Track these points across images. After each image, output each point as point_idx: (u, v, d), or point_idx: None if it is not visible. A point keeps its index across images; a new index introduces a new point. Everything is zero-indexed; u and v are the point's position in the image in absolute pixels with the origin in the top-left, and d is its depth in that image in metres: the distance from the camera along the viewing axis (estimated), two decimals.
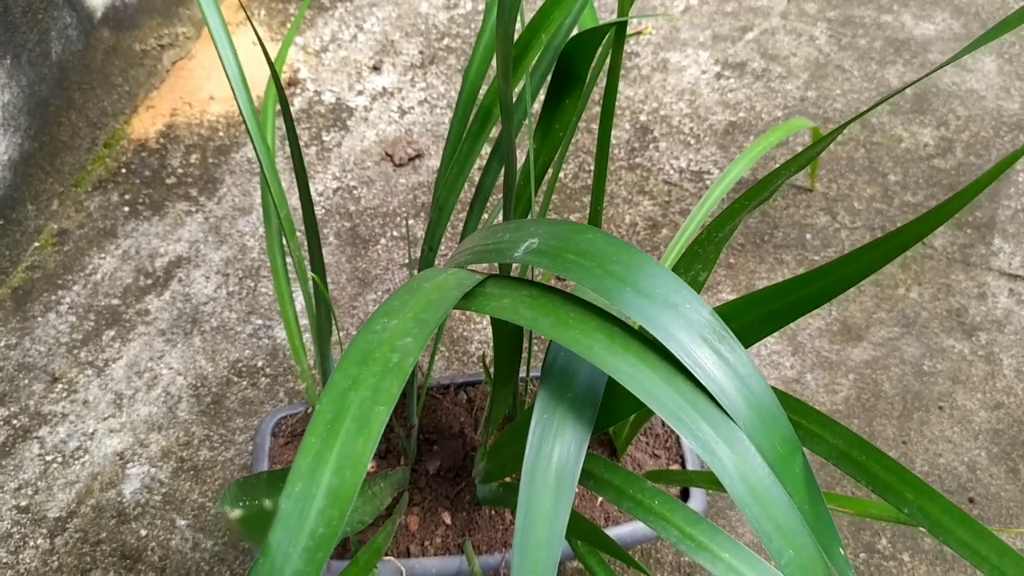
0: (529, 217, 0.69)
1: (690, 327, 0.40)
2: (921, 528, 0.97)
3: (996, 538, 0.36)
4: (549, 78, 0.64)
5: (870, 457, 0.40)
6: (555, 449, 0.43)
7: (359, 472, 0.33)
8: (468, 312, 1.17)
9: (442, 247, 1.22)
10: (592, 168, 1.34)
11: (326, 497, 0.33)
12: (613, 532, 0.81)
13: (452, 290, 0.43)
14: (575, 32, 0.61)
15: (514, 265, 0.69)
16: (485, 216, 1.09)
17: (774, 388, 0.42)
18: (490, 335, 1.14)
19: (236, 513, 0.21)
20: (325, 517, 0.32)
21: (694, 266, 0.63)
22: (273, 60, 0.54)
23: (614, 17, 1.64)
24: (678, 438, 0.89)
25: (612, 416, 0.48)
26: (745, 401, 0.40)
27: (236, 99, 0.62)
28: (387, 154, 1.35)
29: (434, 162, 1.34)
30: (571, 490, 0.43)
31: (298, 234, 1.20)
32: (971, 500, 1.00)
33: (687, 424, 0.39)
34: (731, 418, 0.40)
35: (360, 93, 1.44)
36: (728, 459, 0.39)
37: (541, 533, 0.42)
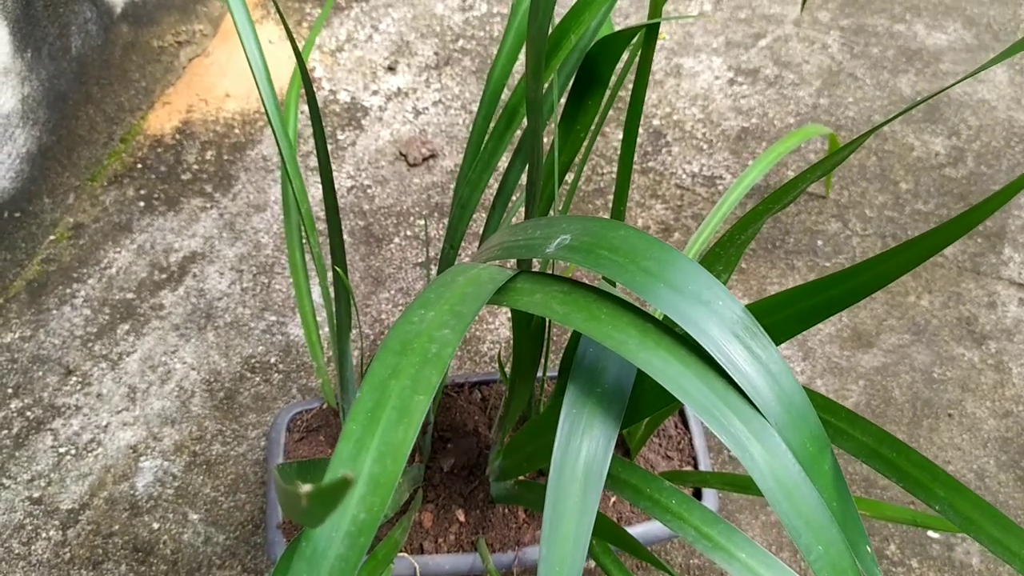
0: (551, 215, 0.69)
1: (722, 323, 0.41)
2: (929, 534, 0.98)
3: None
4: (572, 80, 0.64)
5: (900, 454, 0.41)
6: (584, 444, 0.44)
7: (400, 460, 0.34)
8: (480, 311, 1.17)
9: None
10: (605, 171, 1.35)
11: (367, 483, 0.33)
12: None
13: (486, 284, 0.43)
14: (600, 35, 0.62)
15: (535, 261, 0.69)
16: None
17: (804, 387, 0.42)
18: (503, 335, 1.14)
19: (307, 487, 0.22)
20: (367, 503, 0.33)
21: (715, 267, 0.63)
22: (299, 56, 0.55)
23: (628, 23, 1.65)
24: (691, 439, 0.89)
25: (639, 412, 0.49)
26: (776, 398, 0.40)
27: (260, 93, 0.63)
28: (401, 154, 1.35)
29: (448, 163, 1.34)
30: (599, 484, 0.43)
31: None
32: None
33: (719, 420, 0.39)
34: (762, 415, 0.40)
35: (375, 93, 1.45)
36: (760, 456, 0.39)
37: (569, 526, 0.42)
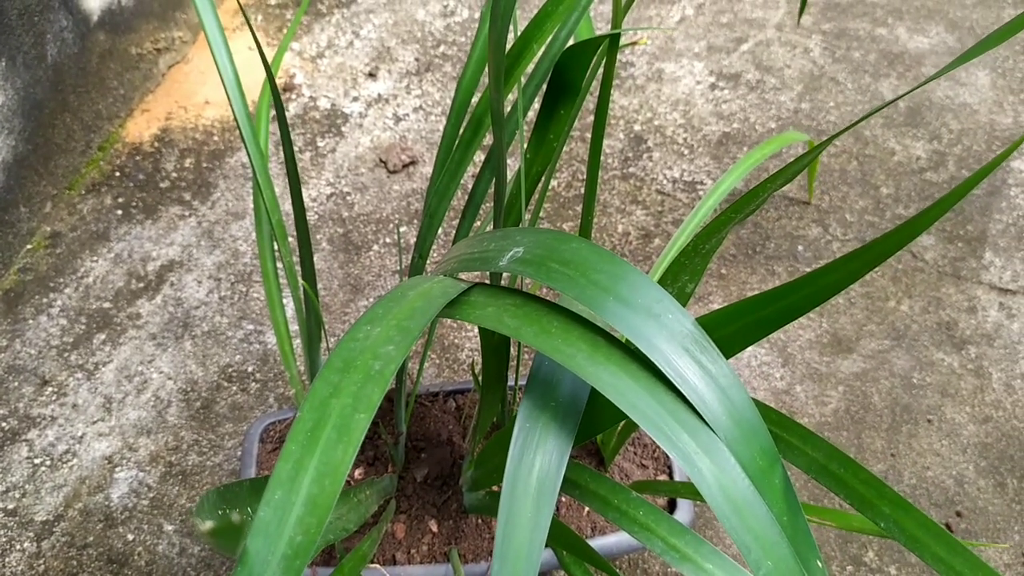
0: (520, 226, 0.69)
1: (672, 337, 0.40)
2: None
3: (970, 553, 0.36)
4: (544, 87, 0.64)
5: (848, 471, 0.40)
6: (537, 458, 0.43)
7: (339, 480, 0.33)
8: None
9: (433, 254, 1.22)
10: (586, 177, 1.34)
11: (305, 505, 0.33)
12: (600, 541, 0.81)
13: (437, 298, 0.43)
14: (571, 43, 0.61)
15: (504, 274, 0.69)
16: (477, 224, 1.09)
17: (755, 400, 0.42)
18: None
19: (208, 525, 0.22)
20: (304, 525, 0.32)
21: (681, 277, 0.63)
22: (268, 69, 0.54)
23: (610, 27, 1.65)
24: None
25: (595, 426, 0.48)
26: (726, 412, 0.40)
27: (231, 103, 0.63)
28: (381, 160, 1.35)
29: (428, 169, 1.34)
30: (552, 500, 0.43)
31: (290, 240, 1.20)
32: (958, 514, 1.00)
33: (667, 435, 0.39)
34: (712, 429, 0.40)
35: (355, 99, 1.45)
36: (708, 470, 0.39)
37: (521, 542, 0.42)
